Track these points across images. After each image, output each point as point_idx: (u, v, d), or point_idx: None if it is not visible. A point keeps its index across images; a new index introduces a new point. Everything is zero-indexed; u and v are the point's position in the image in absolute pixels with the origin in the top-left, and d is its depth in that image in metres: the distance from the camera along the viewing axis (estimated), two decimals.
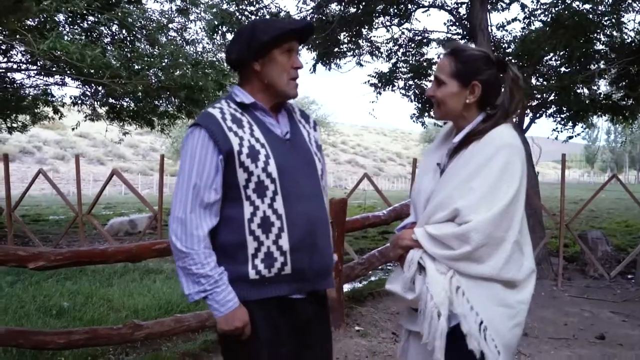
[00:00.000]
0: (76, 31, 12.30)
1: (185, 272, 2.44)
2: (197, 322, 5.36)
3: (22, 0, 8.44)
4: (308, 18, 11.44)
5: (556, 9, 10.31)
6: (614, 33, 10.75)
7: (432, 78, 9.78)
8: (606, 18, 10.37)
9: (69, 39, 9.90)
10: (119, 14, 10.79)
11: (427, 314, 2.40)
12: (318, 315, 2.67)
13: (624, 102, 11.46)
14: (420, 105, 12.65)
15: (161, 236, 9.93)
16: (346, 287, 7.62)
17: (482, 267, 2.40)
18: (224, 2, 11.54)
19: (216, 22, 10.73)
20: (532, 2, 11.42)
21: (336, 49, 12.43)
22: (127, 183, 10.76)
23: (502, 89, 2.60)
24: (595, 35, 10.52)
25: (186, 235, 2.41)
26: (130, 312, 6.46)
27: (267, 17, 10.92)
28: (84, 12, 10.18)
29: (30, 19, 10.31)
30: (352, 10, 11.57)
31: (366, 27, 12.32)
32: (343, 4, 11.45)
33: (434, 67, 12.87)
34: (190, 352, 5.49)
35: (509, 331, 2.46)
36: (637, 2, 10.60)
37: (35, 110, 15.69)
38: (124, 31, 12.89)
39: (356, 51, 12.86)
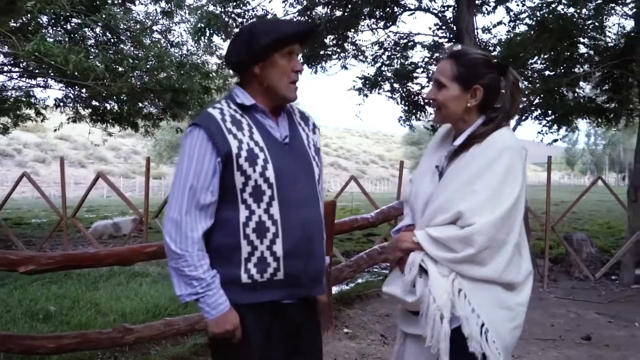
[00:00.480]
0: (59, 33, 12.20)
1: (177, 273, 2.42)
2: (186, 325, 5.33)
3: (15, 1, 8.35)
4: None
5: (541, 12, 10.38)
6: (598, 36, 10.86)
7: (418, 81, 9.78)
8: (589, 22, 10.46)
9: (52, 40, 9.81)
10: (104, 16, 10.73)
11: (429, 317, 2.39)
12: (309, 321, 2.66)
13: (608, 105, 11.57)
14: (407, 108, 12.69)
15: (147, 239, 9.87)
16: (334, 290, 7.61)
17: (484, 269, 2.40)
18: (210, 4, 11.50)
19: (202, 25, 10.69)
20: (518, 5, 11.51)
21: (322, 52, 12.44)
22: (113, 186, 10.68)
23: (502, 92, 2.61)
24: (579, 38, 10.62)
25: (181, 236, 2.39)
26: (118, 316, 6.40)
27: (254, 19, 10.89)
28: (68, 13, 10.11)
29: (14, 21, 10.21)
30: (338, 13, 11.58)
31: (352, 30, 12.34)
32: (329, 6, 11.45)
33: (418, 71, 13.04)
34: (180, 355, 5.46)
35: (508, 333, 2.46)
36: (620, 6, 10.71)
37: (17, 112, 15.55)
38: (107, 33, 12.81)
39: (341, 54, 12.87)
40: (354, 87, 12.63)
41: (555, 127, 11.93)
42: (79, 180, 51.61)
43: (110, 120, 15.50)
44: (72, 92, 14.59)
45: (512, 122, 11.19)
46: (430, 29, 12.31)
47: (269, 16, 11.04)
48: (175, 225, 2.39)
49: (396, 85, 12.45)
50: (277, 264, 2.44)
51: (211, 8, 11.26)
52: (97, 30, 12.87)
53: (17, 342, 4.16)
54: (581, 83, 11.25)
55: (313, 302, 2.68)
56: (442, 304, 2.38)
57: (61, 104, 14.95)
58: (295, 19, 11.53)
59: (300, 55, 2.59)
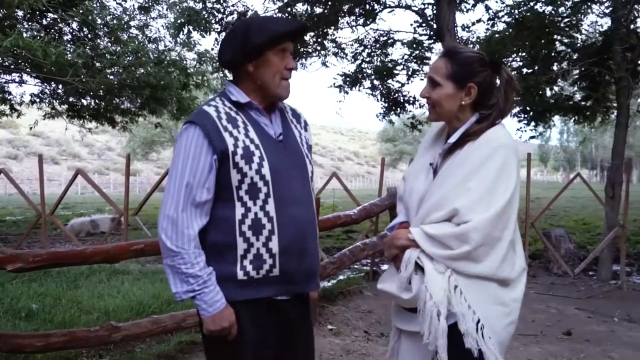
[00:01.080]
0: (34, 28, 12.05)
1: (173, 271, 2.41)
2: (173, 323, 5.30)
3: None
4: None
5: (519, 10, 10.49)
6: (574, 34, 10.99)
7: (398, 78, 9.82)
8: (566, 20, 10.59)
9: (27, 35, 9.69)
10: (80, 10, 10.61)
11: (426, 314, 2.41)
12: (302, 317, 2.67)
13: (585, 103, 11.71)
14: (387, 105, 12.73)
15: (127, 237, 9.78)
16: None
17: (479, 266, 2.42)
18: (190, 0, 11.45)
19: (182, 20, 10.62)
20: (497, 3, 11.63)
21: (302, 49, 12.43)
22: (93, 183, 10.57)
23: (495, 90, 2.63)
24: (557, 36, 10.73)
25: (177, 234, 2.38)
26: (102, 314, 6.35)
27: (235, 16, 10.84)
28: (44, 8, 9.98)
29: None
30: (318, 10, 11.58)
31: (332, 27, 12.35)
32: (309, 3, 11.45)
33: (398, 68, 13.09)
34: (165, 353, 5.43)
35: (503, 329, 2.49)
36: (597, 5, 10.85)
37: None
38: (84, 28, 12.67)
39: (322, 52, 12.88)
40: (334, 84, 12.64)
41: (533, 124, 12.05)
42: (53, 177, 51.08)
43: (87, 117, 15.35)
44: (49, 88, 14.41)
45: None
46: (411, 25, 12.35)
47: (249, 13, 10.99)
48: (172, 222, 2.39)
49: (376, 83, 12.48)
50: (273, 260, 2.45)
51: (191, 4, 11.20)
52: (74, 25, 12.73)
53: (6, 340, 4.11)
54: (559, 81, 11.36)
55: (306, 298, 2.70)
56: (439, 301, 2.39)
57: (37, 99, 14.75)
58: (275, 16, 11.51)
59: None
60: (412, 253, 2.51)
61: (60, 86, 13.37)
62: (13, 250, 4.13)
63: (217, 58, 13.05)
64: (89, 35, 12.96)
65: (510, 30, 10.34)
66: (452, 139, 2.57)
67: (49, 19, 12.43)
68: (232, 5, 11.06)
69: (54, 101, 15.01)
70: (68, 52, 10.43)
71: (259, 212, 2.43)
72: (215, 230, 2.46)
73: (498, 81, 2.62)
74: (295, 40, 2.61)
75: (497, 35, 10.64)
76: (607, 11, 10.69)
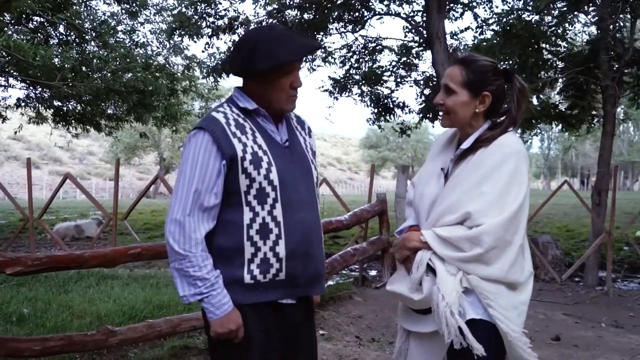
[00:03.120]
0: (22, 31, 11.98)
1: (181, 274, 2.42)
2: (168, 327, 5.29)
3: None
4: (264, 22, 11.42)
5: (507, 18, 10.59)
6: (561, 43, 11.11)
7: (387, 85, 9.86)
8: (553, 28, 10.70)
9: (15, 38, 9.64)
10: (68, 14, 10.57)
11: (440, 314, 2.45)
12: (306, 320, 2.70)
13: (571, 112, 11.82)
14: (376, 111, 12.77)
15: (115, 242, 9.72)
16: None
17: (490, 269, 2.47)
18: (182, 5, 11.42)
19: (174, 26, 10.63)
20: (485, 11, 11.74)
21: None
22: (82, 188, 10.54)
23: (507, 98, 2.68)
24: (544, 45, 10.84)
25: (184, 237, 2.39)
26: (94, 319, 6.29)
27: (226, 21, 10.82)
28: (31, 11, 9.95)
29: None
30: (309, 16, 11.62)
31: (322, 33, 12.38)
32: (299, 9, 11.48)
33: (387, 74, 13.16)
34: (159, 357, 5.40)
35: None
36: (583, 14, 10.99)
37: None
38: (72, 33, 12.63)
39: (309, 57, 12.91)
40: (322, 87, 12.67)
41: (518, 131, 12.14)
42: (34, 181, 50.52)
43: (73, 121, 15.26)
44: (34, 92, 14.32)
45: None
46: (403, 31, 12.43)
47: (241, 17, 11.00)
48: (179, 226, 2.40)
49: (365, 89, 12.54)
50: (280, 264, 2.47)
51: (183, 9, 11.19)
52: (61, 29, 12.68)
53: (4, 344, 4.09)
54: (547, 89, 11.47)
55: (310, 301, 2.72)
56: (451, 301, 2.44)
57: (22, 104, 14.65)
58: (264, 22, 11.51)
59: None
60: (424, 255, 2.55)
61: (46, 90, 13.28)
62: (13, 254, 4.12)
63: (207, 63, 13.15)
64: (77, 40, 12.91)
65: (498, 38, 10.43)
66: (465, 145, 2.62)
67: (36, 23, 12.36)
68: (224, 10, 11.08)
69: (40, 105, 14.91)
70: (56, 56, 10.38)
71: (267, 217, 2.45)
72: (222, 235, 2.47)
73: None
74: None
75: (485, 43, 10.72)
76: (593, 20, 10.82)
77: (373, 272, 10.77)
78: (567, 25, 10.66)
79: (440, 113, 2.71)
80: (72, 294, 7.47)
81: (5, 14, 10.55)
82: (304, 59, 2.61)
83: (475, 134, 2.63)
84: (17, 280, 7.90)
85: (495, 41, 10.37)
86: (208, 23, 11.22)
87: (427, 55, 12.25)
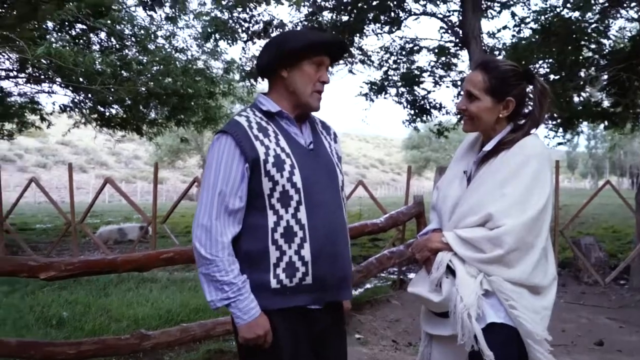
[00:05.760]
0: (65, 38, 12.23)
1: (208, 279, 2.42)
2: (202, 331, 5.32)
3: (39, 6, 8.37)
4: (300, 26, 11.47)
5: (545, 16, 10.42)
6: (603, 40, 10.89)
7: (424, 86, 9.76)
8: (594, 26, 10.50)
9: (57, 45, 9.84)
10: (109, 21, 10.76)
11: (457, 316, 2.43)
12: (335, 326, 2.67)
13: (614, 109, 11.58)
14: (413, 112, 12.71)
15: (155, 246, 9.85)
16: None
17: (512, 271, 2.44)
18: (217, 10, 11.54)
19: (210, 30, 10.74)
20: (523, 10, 11.56)
21: None
22: (122, 192, 10.69)
23: (529, 101, 2.65)
24: (584, 42, 10.64)
25: (211, 241, 2.40)
26: (131, 322, 6.39)
27: (261, 25, 10.91)
28: (73, 19, 10.14)
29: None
30: (344, 18, 11.61)
31: (358, 35, 12.37)
32: (335, 12, 11.49)
33: (425, 75, 13.07)
34: None
35: None
36: (625, 10, 10.75)
37: (22, 119, 15.54)
38: (112, 39, 12.84)
39: (348, 59, 12.91)
40: (360, 92, 12.66)
41: (560, 130, 11.95)
42: (81, 186, 51.43)
43: (115, 126, 15.52)
44: (78, 97, 14.59)
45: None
46: (438, 31, 12.35)
47: (275, 21, 11.08)
48: (205, 230, 2.41)
49: (402, 90, 12.48)
50: (306, 268, 2.45)
51: (219, 14, 11.31)
52: (102, 35, 12.91)
53: (39, 348, 4.18)
54: (587, 87, 11.25)
55: (339, 307, 2.70)
56: (470, 303, 2.42)
57: (67, 109, 14.95)
58: (300, 25, 11.56)
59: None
60: (445, 255, 2.54)
61: (89, 95, 13.53)
62: (46, 259, 4.20)
63: (244, 67, 13.27)
64: (117, 45, 13.12)
65: (537, 36, 10.27)
66: (488, 147, 2.61)
67: (77, 30, 12.60)
68: (258, 15, 11.16)
69: (84, 110, 15.19)
70: (96, 62, 10.57)
71: (291, 220, 2.44)
72: (248, 239, 2.47)
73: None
74: (333, 57, 2.61)
75: (523, 42, 10.57)
76: (635, 16, 10.58)
77: (411, 275, 10.68)
78: (608, 21, 10.39)
79: (464, 118, 2.69)
80: (111, 297, 7.59)
81: (48, 22, 10.80)
82: (336, 59, 2.61)
83: (497, 137, 2.61)
84: (59, 283, 8.05)
85: (533, 40, 10.21)
86: (243, 28, 11.31)
87: (464, 55, 12.14)
